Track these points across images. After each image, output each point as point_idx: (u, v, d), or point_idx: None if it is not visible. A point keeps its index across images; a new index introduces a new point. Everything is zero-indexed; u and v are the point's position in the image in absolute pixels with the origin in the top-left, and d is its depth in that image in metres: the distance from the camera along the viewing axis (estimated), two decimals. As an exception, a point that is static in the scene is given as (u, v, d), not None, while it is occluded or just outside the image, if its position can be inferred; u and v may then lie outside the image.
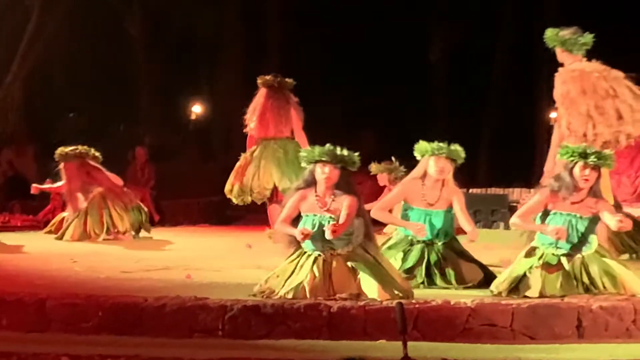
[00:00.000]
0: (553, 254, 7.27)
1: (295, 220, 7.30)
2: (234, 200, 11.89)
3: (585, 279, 7.20)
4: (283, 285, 7.01)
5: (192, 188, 19.02)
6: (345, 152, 7.29)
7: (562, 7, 25.97)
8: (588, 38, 9.12)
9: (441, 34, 26.42)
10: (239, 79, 25.38)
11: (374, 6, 25.15)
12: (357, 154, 7.38)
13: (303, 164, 7.45)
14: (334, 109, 22.58)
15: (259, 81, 12.16)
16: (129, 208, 11.97)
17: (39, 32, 22.45)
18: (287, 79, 12.07)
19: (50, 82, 25.84)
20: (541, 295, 6.99)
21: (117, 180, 12.31)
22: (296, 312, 6.44)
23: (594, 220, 7.31)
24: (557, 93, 9.03)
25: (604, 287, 7.15)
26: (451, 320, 6.41)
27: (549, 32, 9.16)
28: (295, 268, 7.14)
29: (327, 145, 7.30)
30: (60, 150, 12.12)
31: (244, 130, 12.15)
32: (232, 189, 11.73)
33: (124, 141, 22.04)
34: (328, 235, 6.97)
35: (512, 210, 17.55)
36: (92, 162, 12.09)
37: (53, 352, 5.85)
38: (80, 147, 12.12)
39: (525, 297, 6.97)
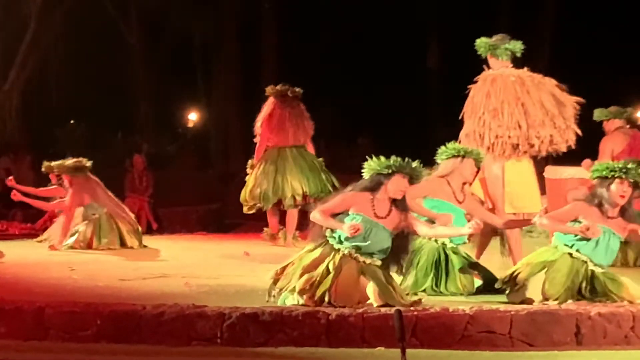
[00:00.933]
0: (572, 255, 7.30)
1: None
2: (248, 209, 12.05)
3: (590, 285, 7.23)
4: (299, 278, 7.04)
5: (190, 196, 18.99)
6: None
7: (558, 14, 26.05)
8: (515, 45, 9.29)
9: (439, 40, 26.47)
10: (236, 86, 25.42)
11: (372, 13, 25.20)
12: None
13: (374, 170, 7.32)
14: (331, 115, 22.60)
15: (270, 91, 12.18)
16: (135, 227, 11.99)
17: (37, 41, 22.48)
18: (296, 89, 12.17)
19: (47, 90, 25.88)
20: (543, 294, 7.09)
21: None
22: (294, 319, 6.43)
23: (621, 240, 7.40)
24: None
25: (610, 292, 7.17)
26: (450, 327, 6.40)
27: (479, 41, 9.35)
28: (315, 261, 7.16)
29: (400, 158, 7.29)
30: (61, 163, 12.09)
31: (255, 140, 12.18)
32: (253, 195, 11.87)
33: (121, 149, 22.07)
34: (347, 232, 6.99)
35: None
36: (95, 178, 12.09)
37: (52, 360, 5.86)
38: (82, 159, 12.11)
39: (522, 302, 7.00)
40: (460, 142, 8.98)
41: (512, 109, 8.78)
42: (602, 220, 7.31)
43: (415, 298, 7.27)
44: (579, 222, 7.31)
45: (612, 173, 7.35)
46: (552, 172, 12.47)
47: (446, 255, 8.02)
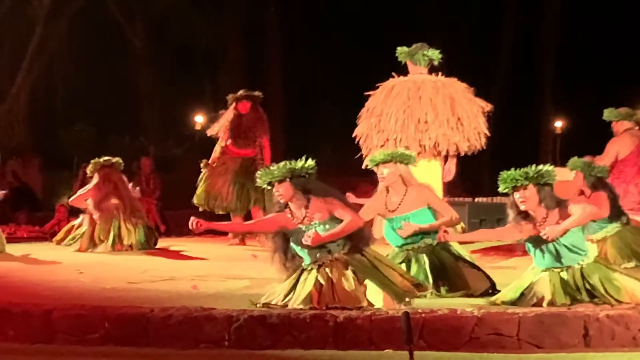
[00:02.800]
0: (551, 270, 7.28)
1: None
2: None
3: (587, 286, 7.19)
4: (285, 298, 7.00)
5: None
6: (292, 163, 7.20)
7: (563, 16, 26.04)
8: (433, 53, 9.90)
9: (442, 43, 26.47)
10: (241, 89, 25.45)
11: (374, 15, 25.21)
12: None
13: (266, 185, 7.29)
14: (335, 118, 22.63)
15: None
16: (138, 225, 12.01)
17: (43, 45, 22.52)
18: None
19: (55, 94, 25.93)
20: (550, 304, 7.01)
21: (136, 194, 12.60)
22: (302, 322, 6.43)
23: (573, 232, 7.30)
24: None
25: (609, 294, 7.13)
26: (457, 329, 6.40)
27: (399, 49, 9.99)
28: (297, 282, 7.11)
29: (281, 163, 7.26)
30: (96, 161, 12.23)
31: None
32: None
33: (129, 152, 22.06)
34: (306, 241, 6.97)
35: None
36: (119, 174, 12.23)
37: (59, 363, 5.87)
38: (111, 158, 12.25)
39: (534, 305, 6.98)
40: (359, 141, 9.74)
41: (398, 114, 9.39)
42: (532, 231, 7.27)
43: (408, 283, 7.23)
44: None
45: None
46: (559, 174, 12.45)
47: (438, 257, 7.99)
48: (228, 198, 12.32)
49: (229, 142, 12.49)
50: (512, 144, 24.58)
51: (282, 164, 7.19)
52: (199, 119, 27.72)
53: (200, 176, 12.73)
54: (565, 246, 7.19)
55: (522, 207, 7.23)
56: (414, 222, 7.94)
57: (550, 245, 7.21)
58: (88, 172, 12.50)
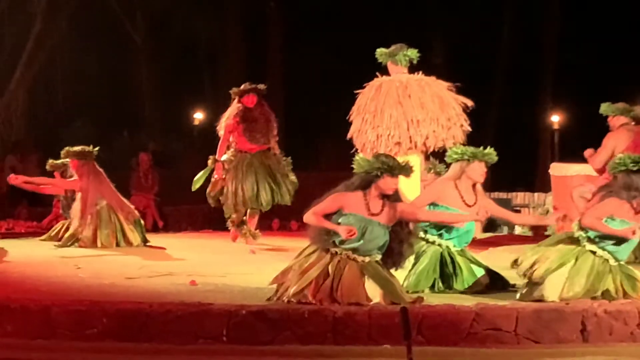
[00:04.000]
0: (595, 253, 7.26)
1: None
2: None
3: (610, 285, 7.18)
4: (297, 282, 7.04)
5: (196, 194, 18.98)
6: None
7: (562, 9, 26.03)
8: (412, 52, 10.17)
9: (442, 37, 26.46)
10: (241, 84, 25.45)
11: (376, 11, 25.20)
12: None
13: (364, 169, 7.28)
14: (336, 113, 22.66)
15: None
16: (130, 220, 11.91)
17: (43, 40, 22.48)
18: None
19: (54, 89, 25.91)
20: (561, 297, 7.05)
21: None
22: (301, 317, 6.44)
23: None
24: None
25: (625, 292, 7.15)
26: (455, 324, 6.41)
27: (379, 51, 10.31)
28: (310, 263, 7.15)
29: (385, 155, 7.31)
30: (69, 148, 12.05)
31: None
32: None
33: (127, 147, 22.07)
34: (342, 235, 6.99)
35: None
36: (99, 168, 12.04)
37: (58, 359, 5.87)
38: (88, 147, 12.07)
39: (540, 300, 7.00)
40: (353, 139, 10.07)
41: (391, 111, 9.65)
42: (632, 216, 7.21)
43: (415, 296, 7.27)
44: (612, 218, 7.23)
45: (638, 164, 7.26)
46: (558, 169, 12.48)
47: (452, 257, 8.01)
48: (262, 195, 11.75)
49: (244, 138, 11.78)
50: (511, 139, 24.59)
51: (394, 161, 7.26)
52: (198, 115, 27.72)
53: (204, 173, 12.11)
54: None
55: None
56: None
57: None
58: (61, 158, 12.32)
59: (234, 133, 11.80)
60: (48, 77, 24.72)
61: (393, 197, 7.23)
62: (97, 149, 12.04)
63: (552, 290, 7.14)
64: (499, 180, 18.07)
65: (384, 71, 10.54)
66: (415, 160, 9.69)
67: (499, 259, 8.78)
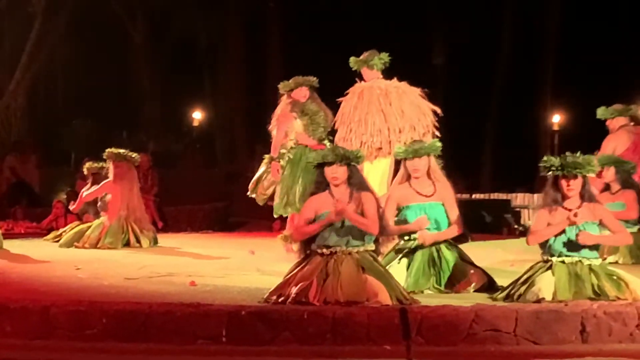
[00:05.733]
0: (564, 262, 7.31)
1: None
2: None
3: (594, 282, 7.22)
4: (297, 286, 7.05)
5: (196, 194, 19.02)
6: (345, 149, 7.49)
7: (562, 9, 26.03)
8: (385, 56, 10.42)
9: (443, 37, 26.47)
10: (241, 85, 25.46)
11: (376, 9, 25.20)
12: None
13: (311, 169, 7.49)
14: (335, 111, 22.65)
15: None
16: (146, 235, 11.97)
17: (42, 40, 22.50)
18: None
19: (53, 90, 25.94)
20: (553, 299, 7.05)
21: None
22: (300, 318, 6.43)
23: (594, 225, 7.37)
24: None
25: (609, 292, 7.16)
26: (455, 325, 6.40)
27: (352, 59, 10.57)
28: (307, 269, 7.18)
29: (327, 146, 7.43)
30: (112, 150, 12.12)
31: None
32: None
33: (127, 148, 22.05)
34: (334, 218, 7.09)
35: (516, 215, 17.52)
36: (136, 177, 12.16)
37: (57, 359, 5.87)
38: (133, 153, 12.15)
39: (537, 301, 7.00)
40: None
41: (374, 119, 9.91)
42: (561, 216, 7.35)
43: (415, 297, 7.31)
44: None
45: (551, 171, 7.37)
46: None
47: (439, 253, 8.05)
48: None
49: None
50: (511, 140, 24.60)
51: (335, 147, 7.52)
52: (197, 115, 27.73)
53: (264, 175, 11.05)
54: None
55: (569, 194, 7.31)
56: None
57: (573, 233, 7.28)
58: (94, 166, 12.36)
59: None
60: (47, 77, 24.73)
61: (356, 187, 7.32)
62: (137, 157, 12.15)
63: (546, 291, 7.18)
64: (499, 181, 18.11)
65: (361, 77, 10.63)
66: (385, 163, 10.00)
67: (496, 261, 8.78)
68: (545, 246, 7.41)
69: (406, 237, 8.20)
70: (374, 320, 6.40)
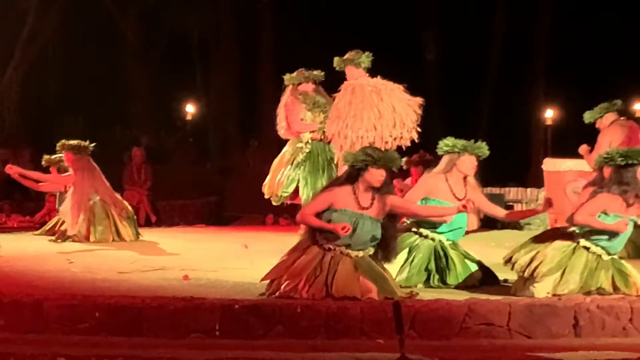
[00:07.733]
0: (588, 249, 7.32)
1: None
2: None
3: (605, 281, 7.23)
4: (290, 278, 7.06)
5: (189, 189, 18.97)
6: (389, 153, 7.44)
7: (556, 5, 26.04)
8: (368, 55, 10.67)
9: (436, 33, 26.47)
10: (233, 80, 25.43)
11: (370, 6, 25.18)
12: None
13: (350, 162, 7.32)
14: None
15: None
16: (124, 216, 11.91)
17: (35, 35, 22.45)
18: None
19: (46, 84, 25.85)
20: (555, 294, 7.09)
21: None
22: (293, 312, 6.44)
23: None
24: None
25: (617, 287, 7.18)
26: (448, 319, 6.41)
27: (336, 59, 10.82)
28: (303, 259, 7.18)
29: (372, 148, 7.38)
30: (64, 142, 12.04)
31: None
32: None
33: (120, 142, 22.05)
34: (338, 232, 7.01)
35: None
36: (94, 164, 12.05)
37: (50, 353, 5.86)
38: (84, 142, 12.06)
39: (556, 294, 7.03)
40: (330, 140, 10.43)
41: (369, 114, 10.09)
42: (624, 210, 7.29)
43: (408, 291, 7.30)
44: (605, 214, 7.27)
45: (626, 159, 7.32)
46: (551, 164, 12.50)
47: (445, 251, 8.03)
48: None
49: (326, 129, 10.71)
50: (504, 134, 24.60)
51: (379, 152, 7.33)
52: (190, 109, 27.70)
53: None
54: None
55: None
56: None
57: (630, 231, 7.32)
58: (57, 151, 12.31)
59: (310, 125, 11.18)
60: (40, 72, 24.66)
61: (383, 190, 7.24)
62: (92, 144, 12.04)
63: (546, 287, 7.19)
64: (492, 175, 18.11)
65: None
66: None
67: (492, 255, 8.79)
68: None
69: (414, 229, 8.15)
70: (367, 314, 6.41)
